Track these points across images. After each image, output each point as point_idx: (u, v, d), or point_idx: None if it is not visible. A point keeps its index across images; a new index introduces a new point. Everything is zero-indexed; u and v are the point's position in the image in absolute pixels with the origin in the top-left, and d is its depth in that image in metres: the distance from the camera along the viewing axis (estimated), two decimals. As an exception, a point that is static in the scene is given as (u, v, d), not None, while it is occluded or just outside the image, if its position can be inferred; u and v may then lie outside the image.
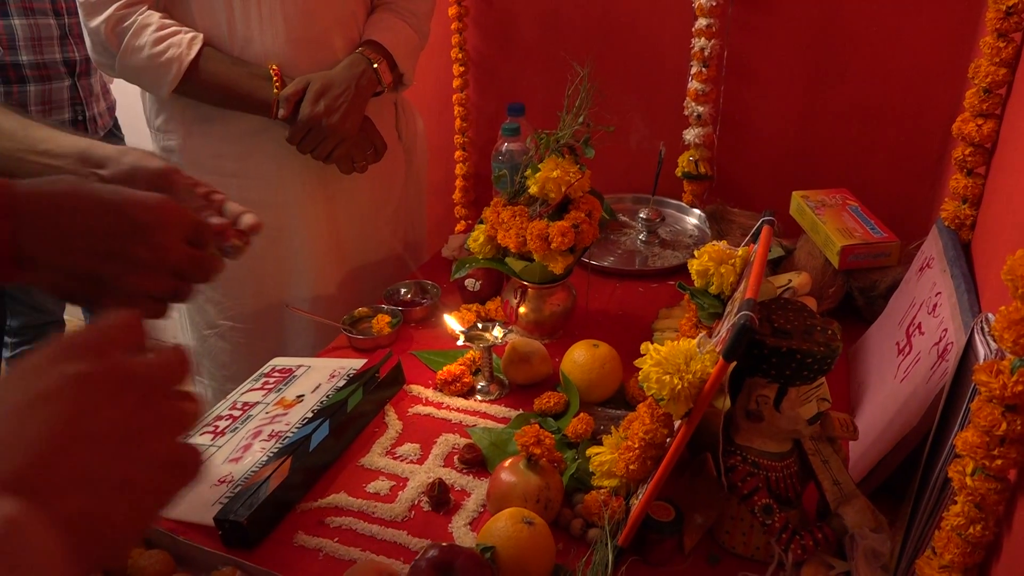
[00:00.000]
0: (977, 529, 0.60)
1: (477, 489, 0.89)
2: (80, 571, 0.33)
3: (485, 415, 1.02)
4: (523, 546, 0.74)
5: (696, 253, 0.96)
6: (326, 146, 1.17)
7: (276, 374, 1.10)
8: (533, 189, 1.07)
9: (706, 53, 1.39)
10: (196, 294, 0.60)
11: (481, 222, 1.13)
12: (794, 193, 1.28)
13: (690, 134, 1.46)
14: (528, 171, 1.09)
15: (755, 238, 0.92)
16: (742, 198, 1.45)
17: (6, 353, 2.02)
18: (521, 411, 1.02)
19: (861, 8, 1.31)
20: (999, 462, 0.58)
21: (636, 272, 1.37)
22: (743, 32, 1.40)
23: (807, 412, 0.75)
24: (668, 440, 0.79)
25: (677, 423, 0.78)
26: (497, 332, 1.04)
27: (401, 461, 0.94)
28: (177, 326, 1.44)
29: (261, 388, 1.07)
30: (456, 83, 1.65)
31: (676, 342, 0.77)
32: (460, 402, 1.05)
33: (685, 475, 0.86)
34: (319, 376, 1.08)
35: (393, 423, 1.01)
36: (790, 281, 1.07)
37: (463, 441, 0.96)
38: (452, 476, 0.91)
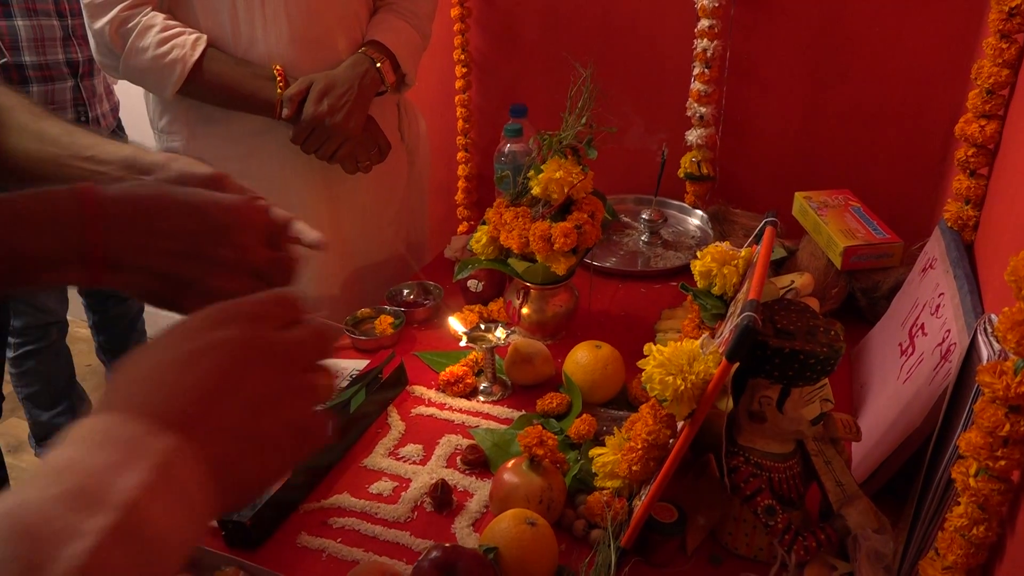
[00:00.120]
0: (980, 530, 0.60)
1: (480, 490, 0.89)
2: (215, 510, 0.37)
3: (488, 416, 1.02)
4: (526, 547, 0.74)
5: (699, 254, 0.96)
6: (330, 146, 1.17)
7: (279, 375, 1.10)
8: (536, 190, 1.07)
9: (708, 54, 1.39)
10: None
11: (484, 223, 1.14)
12: (796, 194, 1.28)
13: (692, 135, 1.46)
14: (531, 172, 1.09)
15: (758, 239, 0.92)
16: (744, 199, 1.45)
17: (9, 353, 2.02)
18: (524, 412, 1.02)
19: (863, 9, 1.30)
20: (1002, 463, 0.58)
21: (638, 273, 1.37)
22: (745, 33, 1.40)
23: (810, 413, 0.75)
24: (671, 441, 0.79)
25: (680, 424, 0.78)
26: (500, 333, 1.04)
27: (404, 462, 0.94)
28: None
29: (264, 389, 1.07)
30: (458, 84, 1.65)
31: (679, 343, 0.77)
32: (463, 403, 1.05)
33: (688, 476, 0.86)
34: (322, 377, 1.08)
35: (396, 424, 1.01)
36: (793, 282, 1.07)
37: (466, 442, 0.97)
38: (455, 477, 0.91)
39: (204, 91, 1.16)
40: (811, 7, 1.34)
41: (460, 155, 1.72)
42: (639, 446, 0.79)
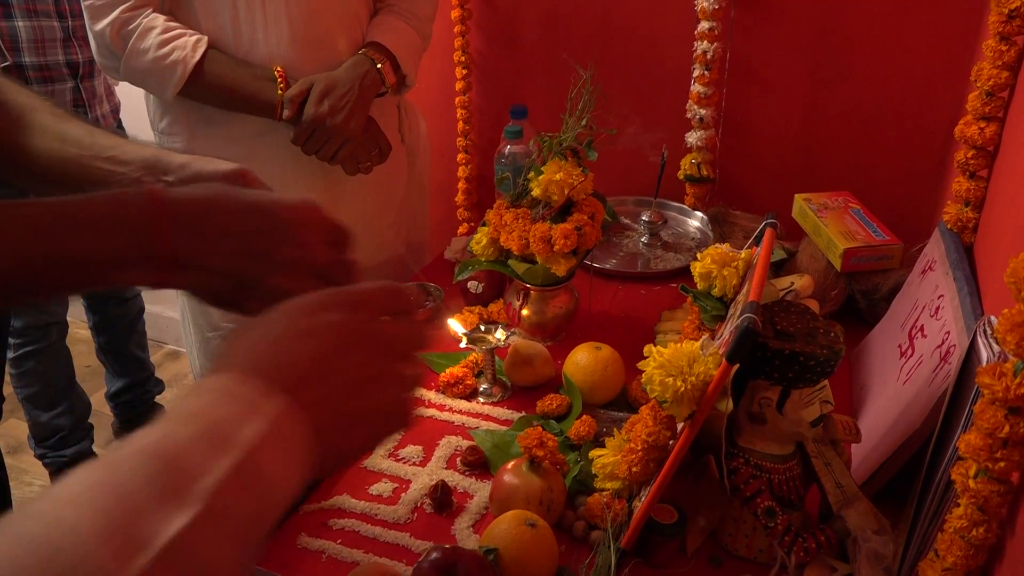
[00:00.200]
0: (980, 531, 0.60)
1: (480, 491, 0.89)
2: (311, 473, 0.42)
3: (488, 417, 1.02)
4: (526, 548, 0.74)
5: (699, 256, 0.96)
6: (331, 146, 1.18)
7: (279, 376, 1.10)
8: (536, 191, 1.08)
9: (708, 56, 1.39)
10: None
11: (484, 224, 1.14)
12: (796, 196, 1.28)
13: (692, 137, 1.46)
14: (531, 173, 1.10)
15: (757, 241, 0.92)
16: (744, 201, 1.46)
17: (10, 354, 2.02)
18: (524, 413, 1.02)
19: (863, 11, 1.31)
20: (1002, 464, 0.58)
21: (638, 274, 1.37)
22: (745, 35, 1.40)
23: (810, 414, 0.75)
24: (671, 442, 0.79)
25: (680, 425, 0.79)
26: (500, 334, 1.05)
27: (404, 463, 0.94)
28: (180, 328, 1.44)
29: (264, 390, 1.07)
30: (459, 86, 1.65)
31: (679, 344, 0.77)
32: (463, 404, 1.05)
33: (688, 477, 0.86)
34: (322, 378, 1.08)
35: (396, 425, 1.01)
36: (792, 284, 1.07)
37: (466, 443, 0.97)
38: (455, 478, 0.91)
39: (205, 92, 1.16)
40: (811, 10, 1.34)
41: (460, 156, 1.72)
42: (639, 447, 0.79)
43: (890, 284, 1.14)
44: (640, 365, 0.78)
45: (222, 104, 1.19)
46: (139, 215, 0.54)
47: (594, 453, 0.87)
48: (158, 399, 2.41)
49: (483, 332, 1.06)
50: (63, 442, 2.15)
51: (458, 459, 0.94)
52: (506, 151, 1.35)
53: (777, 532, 0.75)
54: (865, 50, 1.33)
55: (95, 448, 2.25)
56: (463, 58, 1.63)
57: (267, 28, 1.17)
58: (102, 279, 0.54)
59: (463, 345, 1.07)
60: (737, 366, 0.73)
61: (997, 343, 0.60)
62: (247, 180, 0.68)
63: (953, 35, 1.25)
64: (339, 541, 0.83)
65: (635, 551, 0.79)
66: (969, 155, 1.00)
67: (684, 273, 1.25)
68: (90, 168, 0.66)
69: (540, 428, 0.86)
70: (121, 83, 1.65)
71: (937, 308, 0.90)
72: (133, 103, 1.68)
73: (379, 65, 1.21)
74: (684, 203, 1.53)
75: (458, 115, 1.68)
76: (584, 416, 0.96)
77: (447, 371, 1.08)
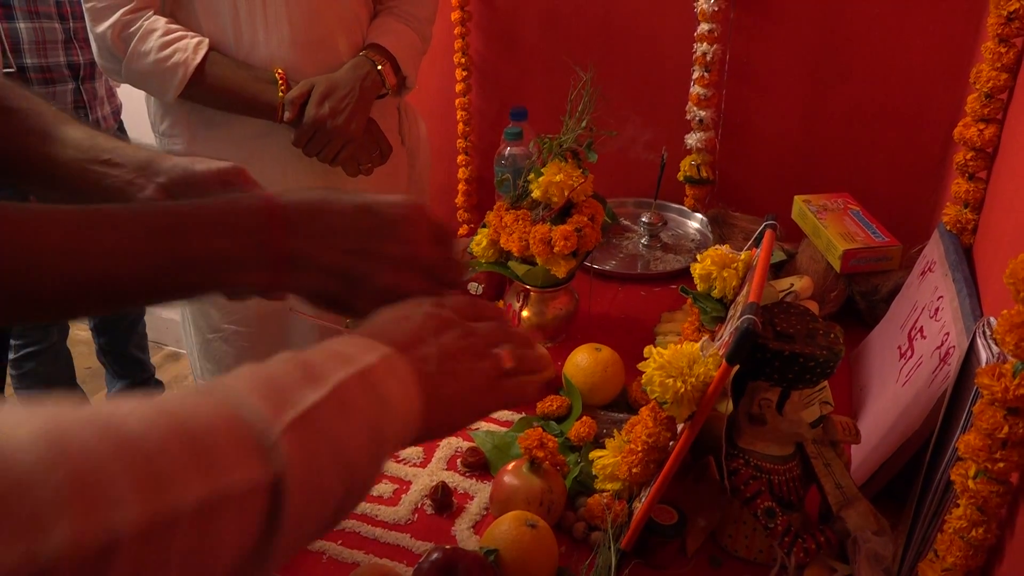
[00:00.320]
0: (979, 532, 0.60)
1: (480, 492, 0.89)
2: (425, 419, 0.48)
3: (488, 418, 1.02)
4: (526, 549, 0.74)
5: (699, 257, 0.96)
6: (332, 148, 1.18)
7: (279, 377, 1.10)
8: (536, 193, 1.08)
9: (708, 58, 1.39)
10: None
11: (484, 226, 1.14)
12: (796, 197, 1.28)
13: (692, 138, 1.46)
14: (531, 175, 1.10)
15: (757, 242, 0.92)
16: (744, 202, 1.46)
17: (11, 355, 2.02)
18: (524, 414, 1.02)
19: (862, 13, 1.31)
20: (1001, 465, 0.58)
21: (638, 276, 1.37)
22: (745, 37, 1.40)
23: (809, 415, 0.75)
24: (671, 443, 0.79)
25: (680, 426, 0.79)
26: (500, 335, 1.05)
27: (404, 464, 0.94)
28: (180, 330, 1.45)
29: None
30: (459, 87, 1.65)
31: (679, 346, 0.77)
32: (463, 405, 1.05)
33: (688, 478, 0.86)
34: (322, 379, 1.08)
35: (396, 426, 1.01)
36: (792, 285, 1.07)
37: (466, 444, 0.97)
38: (455, 479, 0.91)
39: (206, 94, 1.17)
40: (810, 11, 1.35)
41: (460, 158, 1.72)
42: (639, 448, 0.79)
43: (889, 285, 1.14)
44: (640, 366, 0.78)
45: (223, 106, 1.19)
46: (254, 218, 0.56)
47: (594, 454, 0.87)
48: (158, 400, 2.41)
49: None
50: None
51: (458, 460, 0.94)
52: (506, 153, 1.35)
53: (777, 533, 0.75)
54: (864, 52, 1.33)
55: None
56: (463, 60, 1.63)
57: (268, 30, 1.17)
58: (218, 281, 0.56)
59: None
60: (737, 367, 0.73)
61: (996, 344, 0.61)
62: (241, 178, 0.69)
63: (952, 37, 1.25)
64: (339, 542, 0.83)
65: (635, 552, 0.79)
66: (968, 157, 1.01)
67: (684, 275, 1.26)
68: (87, 171, 0.67)
69: (540, 429, 0.86)
70: (123, 85, 1.66)
71: (936, 309, 0.90)
72: (135, 105, 1.68)
73: (379, 67, 1.21)
74: (684, 205, 1.53)
75: (458, 117, 1.68)
76: (584, 417, 0.96)
77: (447, 372, 1.08)
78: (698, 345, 0.78)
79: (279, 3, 1.16)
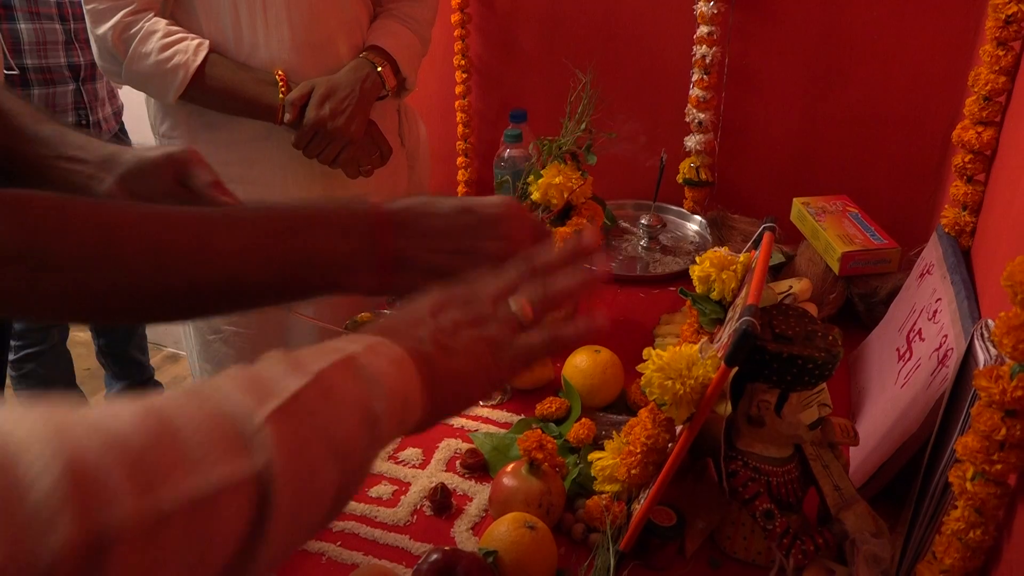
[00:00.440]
0: (977, 534, 0.60)
1: (479, 494, 0.90)
2: (429, 399, 0.48)
3: (487, 420, 1.03)
4: (525, 550, 0.74)
5: (697, 259, 0.96)
6: (332, 149, 1.18)
7: (279, 378, 1.10)
8: (535, 195, 1.08)
9: (707, 60, 1.40)
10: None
11: (483, 228, 1.14)
12: (795, 199, 1.29)
13: (691, 141, 1.46)
14: (530, 177, 1.10)
15: (756, 244, 0.92)
16: (743, 204, 1.46)
17: (11, 356, 2.02)
18: (523, 416, 1.02)
19: (862, 16, 1.31)
20: (999, 467, 0.58)
21: (637, 278, 1.38)
22: (744, 40, 1.40)
23: (808, 417, 0.75)
24: (670, 445, 0.79)
25: (679, 428, 0.79)
26: (499, 337, 1.05)
27: (403, 466, 0.95)
28: (181, 332, 1.45)
29: (264, 392, 1.07)
30: (458, 89, 1.66)
31: (678, 348, 0.77)
32: (462, 407, 1.05)
33: (687, 480, 0.86)
34: (322, 380, 1.08)
35: (395, 427, 1.01)
36: (791, 287, 1.08)
37: (465, 446, 0.97)
38: (454, 481, 0.91)
39: (206, 96, 1.17)
40: (810, 15, 1.35)
41: (460, 160, 1.72)
42: (638, 450, 0.79)
43: (888, 288, 1.14)
44: (639, 368, 0.78)
45: (223, 108, 1.19)
46: (365, 221, 0.58)
47: (593, 456, 0.87)
48: (157, 402, 2.41)
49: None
50: None
51: (457, 462, 0.95)
52: (505, 155, 1.35)
53: (775, 534, 0.75)
54: (863, 55, 1.33)
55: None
56: (463, 62, 1.63)
57: (268, 32, 1.17)
58: (334, 282, 0.58)
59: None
60: (735, 369, 0.73)
61: (994, 346, 0.61)
62: (193, 159, 0.70)
63: (951, 40, 1.26)
64: (338, 543, 0.83)
65: (634, 553, 0.79)
66: (967, 159, 1.01)
67: (683, 277, 1.26)
68: (53, 168, 0.68)
69: (539, 431, 0.86)
70: (123, 86, 1.66)
71: (935, 311, 0.90)
72: (137, 107, 1.69)
73: (379, 68, 1.22)
74: (683, 207, 1.53)
75: (458, 119, 1.68)
76: (583, 419, 0.96)
77: (447, 374, 1.08)
78: (697, 347, 0.78)
79: (279, 5, 1.16)
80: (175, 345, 2.75)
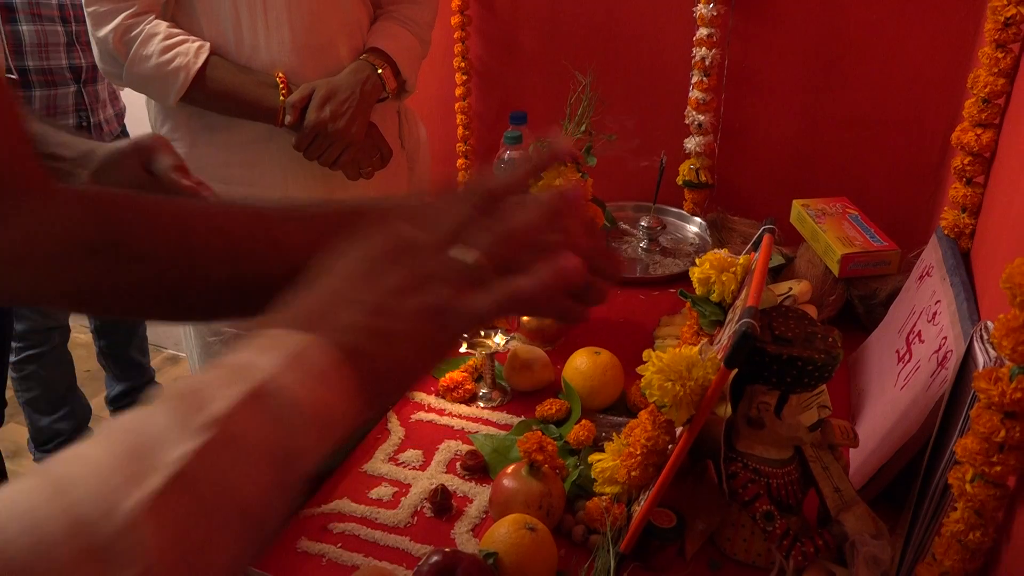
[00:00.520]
0: (976, 535, 0.61)
1: (479, 495, 0.90)
2: (366, 396, 0.40)
3: (487, 422, 1.03)
4: (525, 552, 0.75)
5: (697, 261, 0.97)
6: (333, 151, 1.18)
7: (279, 380, 1.10)
8: (535, 197, 1.08)
9: (707, 63, 1.40)
10: (604, 298, 0.62)
11: (484, 230, 1.14)
12: (794, 201, 1.29)
13: (691, 143, 1.47)
14: (530, 179, 1.10)
15: (756, 246, 0.93)
16: (743, 206, 1.46)
17: (12, 357, 2.03)
18: (523, 418, 1.03)
19: (861, 18, 1.32)
20: (998, 468, 0.58)
21: (637, 280, 1.38)
22: (744, 42, 1.41)
23: (808, 419, 0.75)
24: (670, 447, 0.80)
25: (679, 430, 0.79)
26: (499, 339, 1.05)
27: (404, 467, 0.95)
28: (181, 334, 1.45)
29: (264, 394, 1.07)
30: (458, 91, 1.66)
31: (678, 349, 0.78)
32: (462, 409, 1.05)
33: (687, 482, 0.86)
34: (322, 382, 1.08)
35: (395, 429, 1.01)
36: (791, 289, 1.08)
37: (465, 448, 0.97)
38: (454, 482, 0.92)
39: (207, 98, 1.17)
40: (809, 17, 1.35)
41: (460, 162, 1.72)
42: (638, 452, 0.80)
43: (888, 289, 1.14)
44: (639, 370, 0.78)
45: (224, 110, 1.19)
46: None
47: (593, 457, 0.87)
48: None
49: (482, 337, 1.07)
50: (63, 447, 2.15)
51: (458, 463, 0.95)
52: (506, 157, 1.35)
53: (775, 536, 0.75)
54: (863, 57, 1.34)
55: (95, 452, 2.25)
56: (463, 64, 1.64)
57: (269, 34, 1.17)
58: None
59: (463, 349, 1.07)
60: (735, 371, 0.73)
61: (993, 348, 0.61)
62: (159, 144, 0.71)
63: (950, 42, 1.26)
64: (339, 545, 0.83)
65: (634, 555, 0.79)
66: (966, 161, 1.01)
67: (683, 278, 1.26)
68: None
69: (539, 433, 0.87)
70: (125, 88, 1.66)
71: (934, 313, 0.90)
72: (138, 109, 1.69)
73: (379, 70, 1.22)
74: (683, 208, 1.53)
75: (458, 121, 1.69)
76: (583, 421, 0.96)
77: (446, 375, 1.08)
78: (697, 349, 0.78)
79: (280, 7, 1.16)
80: (175, 347, 2.75)
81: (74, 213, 0.51)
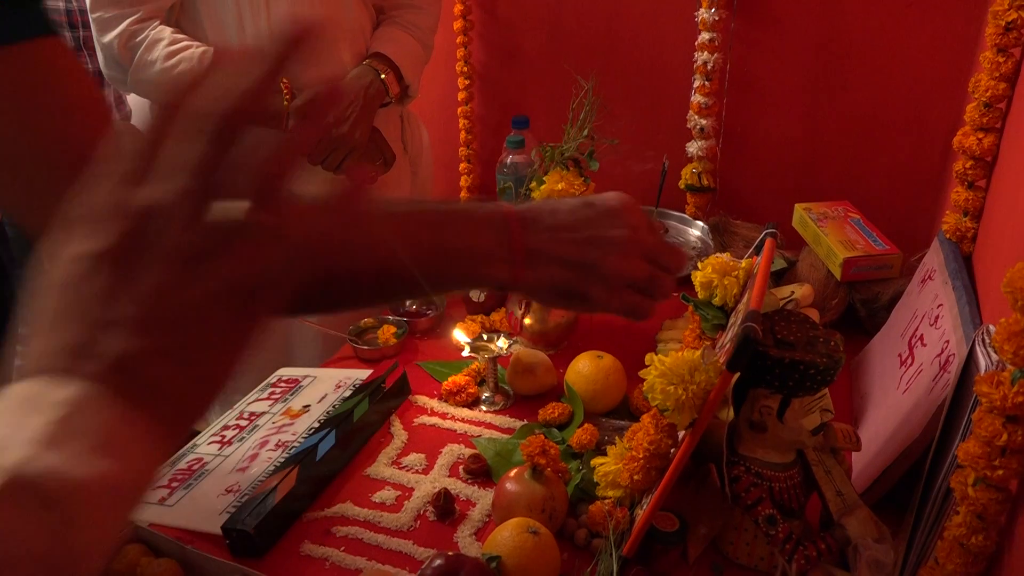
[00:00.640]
0: (979, 539, 0.61)
1: (482, 499, 0.90)
2: (170, 429, 0.32)
3: (490, 425, 1.03)
4: (528, 555, 0.75)
5: (699, 265, 0.97)
6: (336, 156, 1.19)
7: (282, 384, 1.11)
8: (538, 201, 1.09)
9: (709, 67, 1.40)
10: (669, 292, 0.66)
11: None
12: (797, 205, 1.29)
13: (693, 147, 1.47)
14: (533, 183, 1.11)
15: (758, 250, 0.93)
16: (745, 210, 1.46)
17: (16, 361, 2.03)
18: (526, 422, 1.03)
19: (863, 22, 1.32)
20: (1000, 472, 0.58)
21: (640, 283, 1.38)
22: (746, 46, 1.41)
23: (810, 423, 0.76)
24: (672, 451, 0.80)
25: (681, 434, 0.79)
26: (502, 343, 1.05)
27: (407, 471, 0.95)
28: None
29: (267, 398, 1.08)
30: (461, 96, 1.66)
31: (680, 353, 0.78)
32: (465, 412, 1.06)
33: (689, 485, 0.86)
34: (325, 386, 1.08)
35: (399, 433, 1.01)
36: (793, 293, 1.08)
37: (468, 451, 0.97)
38: (457, 486, 0.92)
39: (210, 103, 1.18)
40: (811, 21, 1.36)
41: (462, 166, 1.73)
42: (640, 456, 0.80)
43: (890, 293, 1.14)
44: (641, 374, 0.79)
45: (227, 114, 1.20)
46: (497, 216, 0.60)
47: (596, 461, 0.87)
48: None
49: (485, 341, 1.07)
50: None
51: (460, 467, 0.95)
52: (508, 161, 1.36)
53: (778, 540, 0.75)
54: (864, 61, 1.34)
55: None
56: (465, 69, 1.64)
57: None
58: (467, 274, 0.61)
59: (465, 354, 1.07)
60: (738, 374, 0.74)
61: (995, 352, 0.61)
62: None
63: (951, 47, 1.26)
64: (342, 548, 0.83)
65: (637, 559, 0.79)
66: (968, 165, 1.01)
67: (685, 282, 1.26)
68: None
69: (542, 436, 0.87)
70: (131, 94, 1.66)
71: (936, 317, 0.91)
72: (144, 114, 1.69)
73: (383, 75, 1.23)
74: (685, 212, 1.53)
75: (460, 125, 1.69)
76: (586, 424, 0.97)
77: (449, 379, 1.08)
78: (699, 352, 0.78)
79: (283, 13, 1.17)
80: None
81: None
